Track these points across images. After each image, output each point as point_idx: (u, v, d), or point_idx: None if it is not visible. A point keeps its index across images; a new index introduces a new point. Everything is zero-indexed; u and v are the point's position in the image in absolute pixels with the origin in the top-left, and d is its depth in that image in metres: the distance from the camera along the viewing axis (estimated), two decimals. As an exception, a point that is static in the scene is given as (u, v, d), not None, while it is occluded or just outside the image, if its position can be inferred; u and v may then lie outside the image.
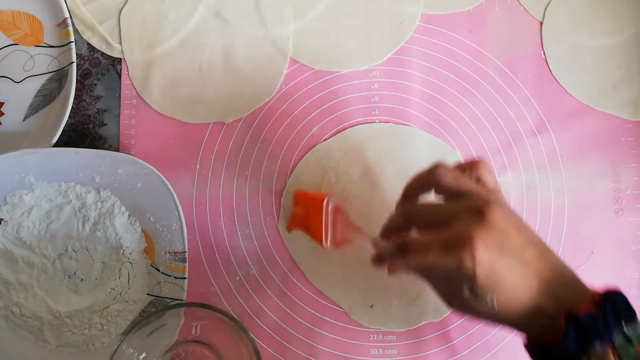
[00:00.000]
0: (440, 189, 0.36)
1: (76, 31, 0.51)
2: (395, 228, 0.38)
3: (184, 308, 0.42)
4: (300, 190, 0.47)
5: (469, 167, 0.36)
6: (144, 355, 0.43)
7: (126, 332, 0.39)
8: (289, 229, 0.48)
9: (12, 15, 0.51)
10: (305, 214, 0.45)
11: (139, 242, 0.47)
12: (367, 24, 0.52)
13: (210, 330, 0.44)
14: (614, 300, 0.30)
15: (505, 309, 0.32)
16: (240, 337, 0.40)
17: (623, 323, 0.29)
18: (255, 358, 0.38)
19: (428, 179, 0.36)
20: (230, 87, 0.51)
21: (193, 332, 0.44)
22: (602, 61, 0.51)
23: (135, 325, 0.39)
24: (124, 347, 0.39)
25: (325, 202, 0.43)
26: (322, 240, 0.43)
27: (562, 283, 0.32)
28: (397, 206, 0.39)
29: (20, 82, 0.50)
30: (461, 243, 0.30)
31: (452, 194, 0.35)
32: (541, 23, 0.52)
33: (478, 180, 0.35)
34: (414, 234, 0.37)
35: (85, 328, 0.45)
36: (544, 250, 0.33)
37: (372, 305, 0.48)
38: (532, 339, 0.33)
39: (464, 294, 0.32)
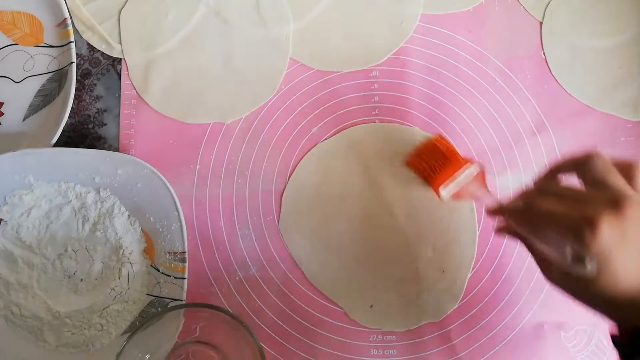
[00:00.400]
0: (586, 176, 0.35)
1: (76, 31, 0.51)
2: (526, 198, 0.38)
3: (185, 309, 0.42)
4: (446, 143, 0.47)
5: (626, 167, 0.35)
6: (148, 356, 0.42)
7: (131, 333, 0.39)
8: (409, 164, 0.48)
9: (12, 15, 0.51)
10: (437, 162, 0.46)
11: (138, 242, 0.47)
12: (367, 24, 0.52)
13: (214, 330, 0.44)
14: None
15: (604, 289, 0.32)
16: (244, 337, 0.39)
17: None
18: (259, 357, 0.38)
19: (579, 161, 0.36)
20: (230, 87, 0.51)
21: (196, 332, 0.44)
22: (602, 61, 0.51)
23: (140, 326, 0.39)
24: (128, 349, 0.39)
25: (466, 166, 0.44)
26: (438, 191, 0.45)
27: None
28: (535, 181, 0.39)
29: (20, 82, 0.50)
30: (587, 216, 0.31)
31: (595, 184, 0.34)
32: (541, 23, 0.52)
33: (631, 179, 0.34)
34: None
35: (84, 328, 0.45)
36: None
37: (371, 306, 0.48)
38: (622, 326, 0.34)
39: (567, 259, 0.32)
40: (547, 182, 0.38)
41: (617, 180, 0.34)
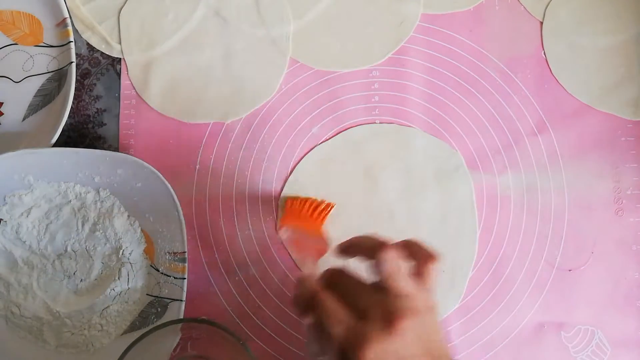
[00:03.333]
0: (377, 270, 0.34)
1: (75, 31, 0.51)
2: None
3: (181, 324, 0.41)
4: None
5: (423, 259, 0.34)
6: None
7: (129, 347, 0.38)
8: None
9: (11, 15, 0.51)
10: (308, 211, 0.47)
11: (138, 243, 0.47)
12: (367, 24, 0.52)
13: (209, 344, 0.43)
14: None
15: None
16: (240, 351, 0.39)
17: None
18: None
19: (370, 254, 0.34)
20: (230, 87, 0.51)
21: (192, 345, 0.44)
22: (603, 61, 0.51)
23: (139, 340, 0.38)
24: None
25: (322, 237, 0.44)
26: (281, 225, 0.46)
27: None
28: (335, 249, 0.38)
29: (19, 82, 0.50)
30: (357, 338, 0.30)
31: (382, 284, 0.33)
32: (541, 23, 0.52)
33: (420, 274, 0.34)
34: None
35: (84, 328, 0.45)
36: None
37: (371, 306, 0.48)
38: None
39: None
40: (337, 271, 0.35)
41: (400, 283, 0.32)
